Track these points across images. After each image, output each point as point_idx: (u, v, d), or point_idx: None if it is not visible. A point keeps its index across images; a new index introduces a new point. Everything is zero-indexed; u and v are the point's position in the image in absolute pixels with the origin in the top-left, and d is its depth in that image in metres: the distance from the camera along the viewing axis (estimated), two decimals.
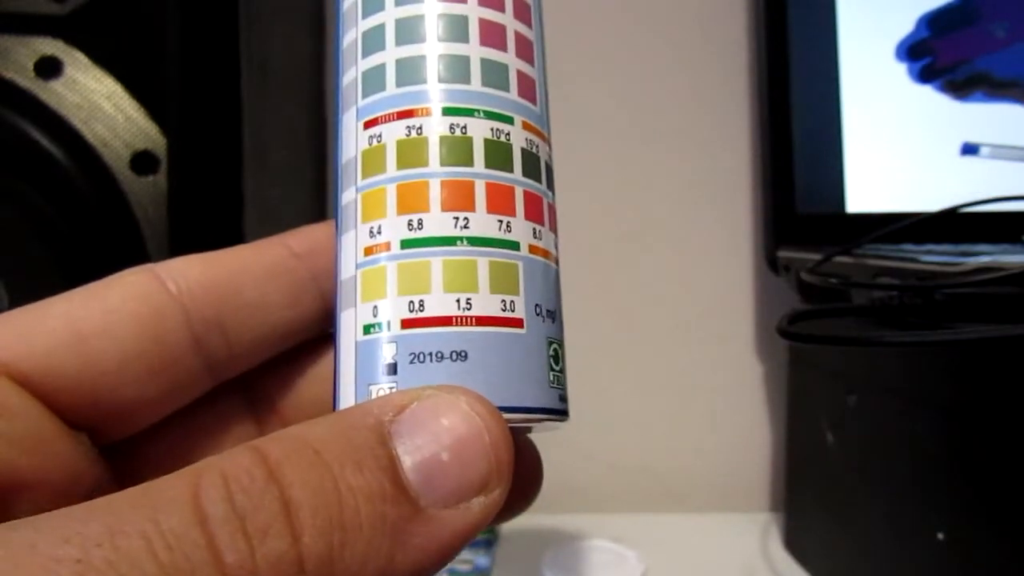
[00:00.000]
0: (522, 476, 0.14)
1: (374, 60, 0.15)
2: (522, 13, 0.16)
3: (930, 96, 0.41)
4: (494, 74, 0.15)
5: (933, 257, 0.29)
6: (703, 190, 0.47)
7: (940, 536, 0.27)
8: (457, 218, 0.14)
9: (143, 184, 0.33)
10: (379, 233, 0.14)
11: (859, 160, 0.41)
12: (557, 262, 0.15)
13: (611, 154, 0.47)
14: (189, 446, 0.17)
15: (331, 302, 0.15)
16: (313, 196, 0.45)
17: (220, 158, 0.37)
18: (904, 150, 0.41)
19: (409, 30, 0.15)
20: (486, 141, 0.14)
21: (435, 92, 0.14)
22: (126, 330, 0.15)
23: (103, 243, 0.33)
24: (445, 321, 0.13)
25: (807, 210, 0.41)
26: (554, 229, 0.16)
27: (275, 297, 0.17)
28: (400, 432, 0.12)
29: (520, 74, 0.15)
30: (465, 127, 0.14)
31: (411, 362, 0.13)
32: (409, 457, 0.12)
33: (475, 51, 0.15)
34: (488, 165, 0.14)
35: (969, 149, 0.41)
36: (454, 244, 0.14)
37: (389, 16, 0.15)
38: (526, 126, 0.15)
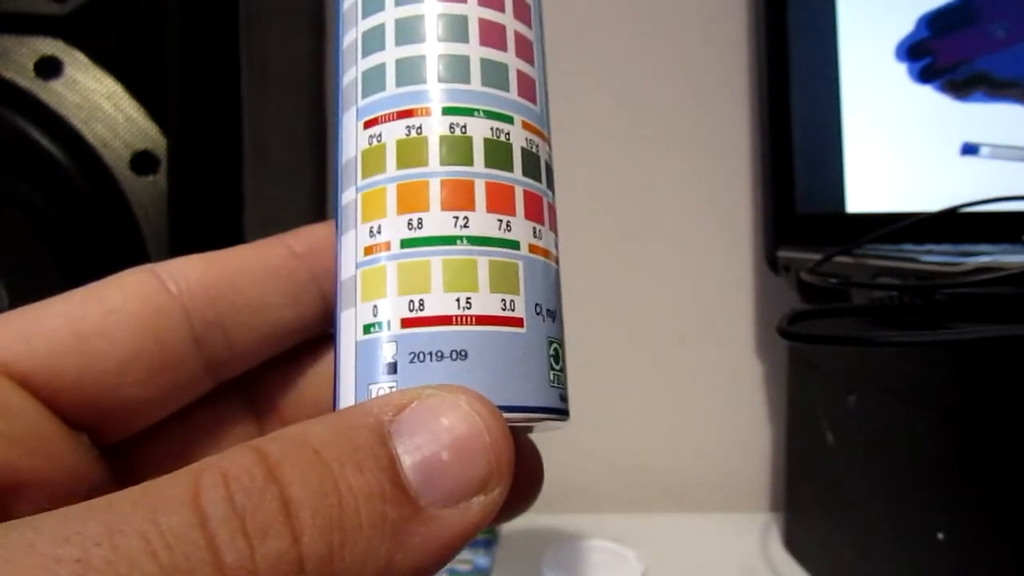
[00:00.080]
0: (522, 476, 0.14)
1: (374, 60, 0.15)
2: (522, 13, 0.16)
3: (930, 96, 0.41)
4: (494, 74, 0.15)
5: (933, 257, 0.29)
6: (703, 190, 0.47)
7: (940, 536, 0.27)
8: (457, 217, 0.14)
9: (143, 184, 0.33)
10: (379, 233, 0.14)
11: (859, 160, 0.41)
12: (557, 261, 0.15)
13: (611, 154, 0.47)
14: (189, 446, 0.17)
15: (331, 302, 0.15)
16: (313, 196, 0.45)
17: (220, 158, 0.37)
18: (904, 150, 0.41)
19: (409, 30, 0.15)
20: (486, 141, 0.14)
21: (435, 92, 0.14)
22: (126, 330, 0.15)
23: (103, 243, 0.33)
24: (445, 320, 0.13)
25: (807, 210, 0.41)
26: (554, 228, 0.16)
27: (275, 297, 0.17)
28: (400, 431, 0.12)
29: (520, 74, 0.15)
30: (465, 127, 0.14)
31: (411, 361, 0.13)
32: (409, 457, 0.12)
33: (475, 51, 0.15)
34: (488, 165, 0.14)
35: (969, 149, 0.41)
36: (454, 243, 0.14)
37: (389, 16, 0.15)
38: (526, 126, 0.15)
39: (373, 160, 0.14)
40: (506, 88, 0.15)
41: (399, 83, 0.14)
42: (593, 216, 0.47)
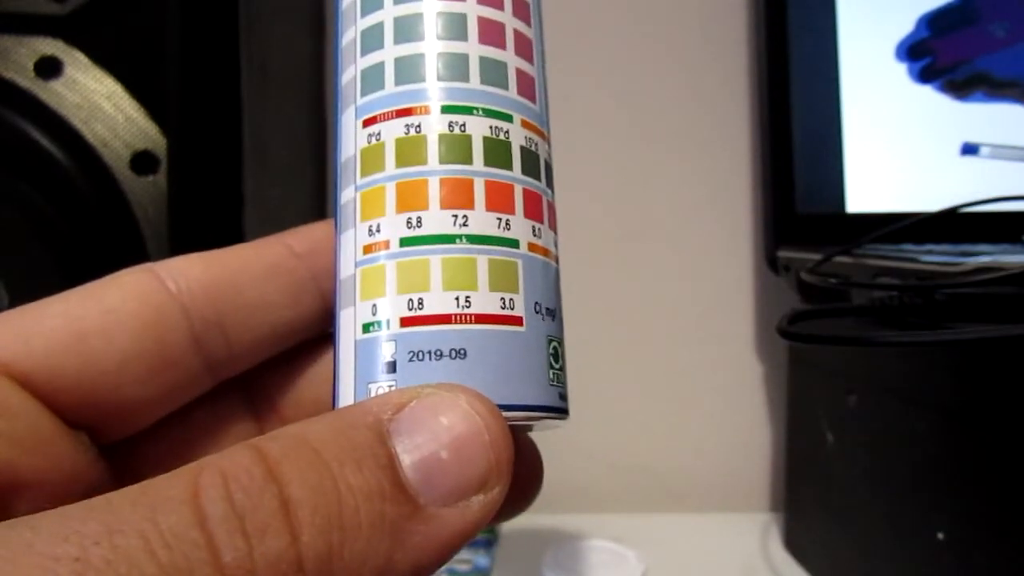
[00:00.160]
0: (522, 475, 0.14)
1: (373, 58, 0.15)
2: (521, 11, 0.15)
3: (930, 96, 0.41)
4: (493, 72, 0.15)
5: (933, 257, 0.29)
6: (703, 190, 0.47)
7: (940, 536, 0.27)
8: (456, 216, 0.14)
9: (143, 184, 0.33)
10: (378, 231, 0.14)
11: (859, 160, 0.41)
12: (557, 260, 0.15)
13: (611, 154, 0.47)
14: (189, 446, 0.17)
15: (331, 301, 0.15)
16: (313, 196, 0.45)
17: (220, 158, 0.37)
18: (904, 150, 0.41)
19: (408, 28, 0.15)
20: (485, 139, 0.14)
21: (434, 90, 0.14)
22: (125, 330, 0.15)
23: (103, 243, 0.33)
24: (444, 319, 0.13)
25: (807, 210, 0.41)
26: (554, 227, 0.15)
27: (275, 296, 0.17)
28: (399, 430, 0.12)
29: (519, 72, 0.15)
30: (464, 125, 0.14)
31: (410, 360, 0.13)
32: (408, 456, 0.11)
33: (474, 49, 0.15)
34: (487, 163, 0.14)
35: (969, 149, 0.41)
36: (453, 242, 0.14)
37: (388, 14, 0.15)
38: (525, 124, 0.15)
39: (372, 159, 0.14)
40: (505, 86, 0.15)
41: (398, 81, 0.14)
42: (593, 216, 0.47)
